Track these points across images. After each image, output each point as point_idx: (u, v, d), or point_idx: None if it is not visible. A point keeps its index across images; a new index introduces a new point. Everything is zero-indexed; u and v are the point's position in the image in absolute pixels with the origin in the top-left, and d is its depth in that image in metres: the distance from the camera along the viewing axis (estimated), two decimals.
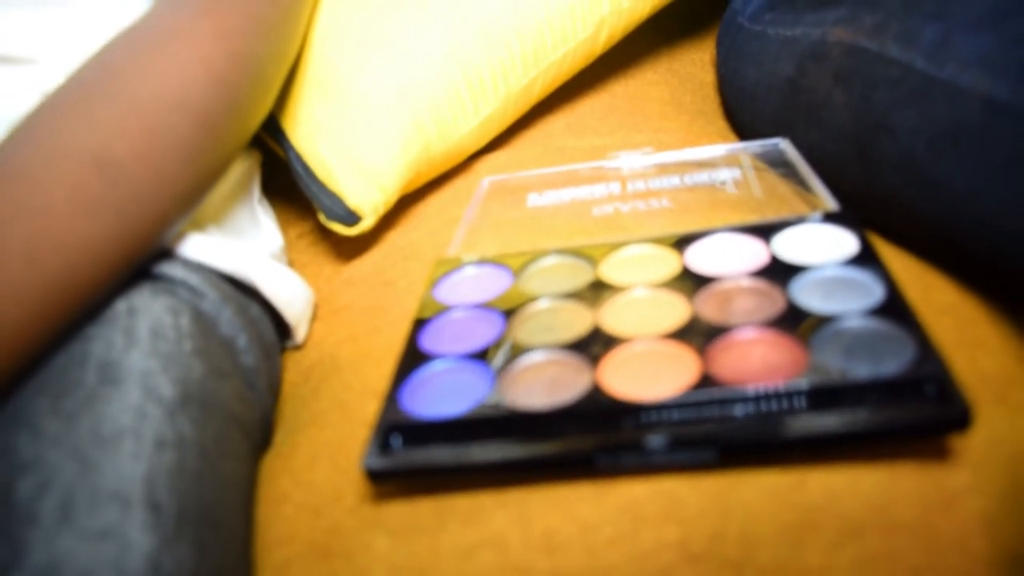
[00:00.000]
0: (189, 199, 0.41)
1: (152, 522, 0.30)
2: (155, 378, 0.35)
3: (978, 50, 0.36)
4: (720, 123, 0.72)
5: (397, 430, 0.34)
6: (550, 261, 0.43)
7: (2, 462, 0.31)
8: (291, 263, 0.60)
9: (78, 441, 0.31)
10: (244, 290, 0.46)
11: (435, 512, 0.33)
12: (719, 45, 0.75)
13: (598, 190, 0.53)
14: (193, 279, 0.41)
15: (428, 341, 0.39)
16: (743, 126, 0.66)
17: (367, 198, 0.52)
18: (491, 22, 0.56)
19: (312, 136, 0.54)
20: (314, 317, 0.53)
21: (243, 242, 0.49)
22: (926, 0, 0.42)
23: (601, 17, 0.60)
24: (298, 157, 0.55)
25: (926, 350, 0.31)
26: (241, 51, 0.43)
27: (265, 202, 0.60)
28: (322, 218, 0.54)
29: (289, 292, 0.49)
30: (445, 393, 0.35)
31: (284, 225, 0.65)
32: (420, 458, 0.33)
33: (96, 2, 0.49)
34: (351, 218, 0.53)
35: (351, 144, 0.53)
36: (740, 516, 0.30)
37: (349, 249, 0.58)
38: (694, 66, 0.82)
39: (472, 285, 0.43)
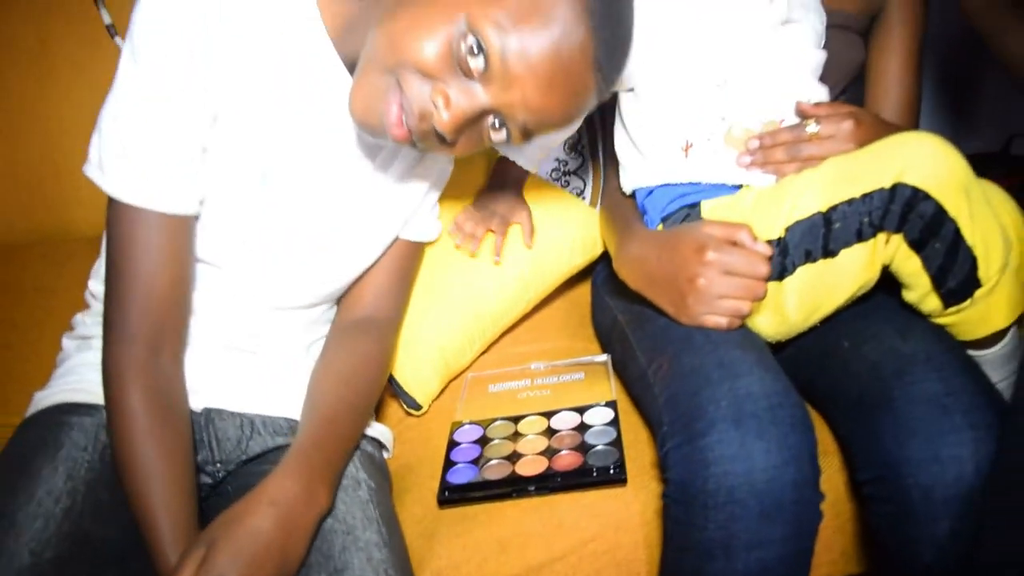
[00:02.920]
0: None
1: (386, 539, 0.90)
2: (371, 480, 0.94)
3: (644, 343, 1.02)
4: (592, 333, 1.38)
5: (446, 488, 0.98)
6: (498, 423, 1.08)
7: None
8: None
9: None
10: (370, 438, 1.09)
11: (461, 517, 0.97)
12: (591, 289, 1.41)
13: (522, 383, 1.18)
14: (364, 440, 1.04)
15: (453, 455, 1.04)
16: (600, 342, 1.32)
17: (424, 396, 1.17)
18: (476, 312, 1.22)
19: (397, 367, 1.19)
20: (396, 442, 1.17)
21: None
22: (640, 320, 1.08)
23: (528, 300, 1.27)
24: (391, 376, 1.20)
25: (621, 456, 0.96)
26: (389, 350, 1.06)
27: None
28: (403, 406, 1.18)
29: (387, 437, 1.12)
30: (461, 474, 1.00)
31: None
32: (454, 497, 0.97)
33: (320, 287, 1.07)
34: (418, 407, 1.18)
35: (416, 371, 1.18)
36: (559, 512, 0.95)
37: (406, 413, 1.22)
38: (581, 297, 1.47)
39: (467, 432, 1.08)
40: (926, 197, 0.86)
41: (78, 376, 0.93)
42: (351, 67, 0.84)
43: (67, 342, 1.01)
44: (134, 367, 0.81)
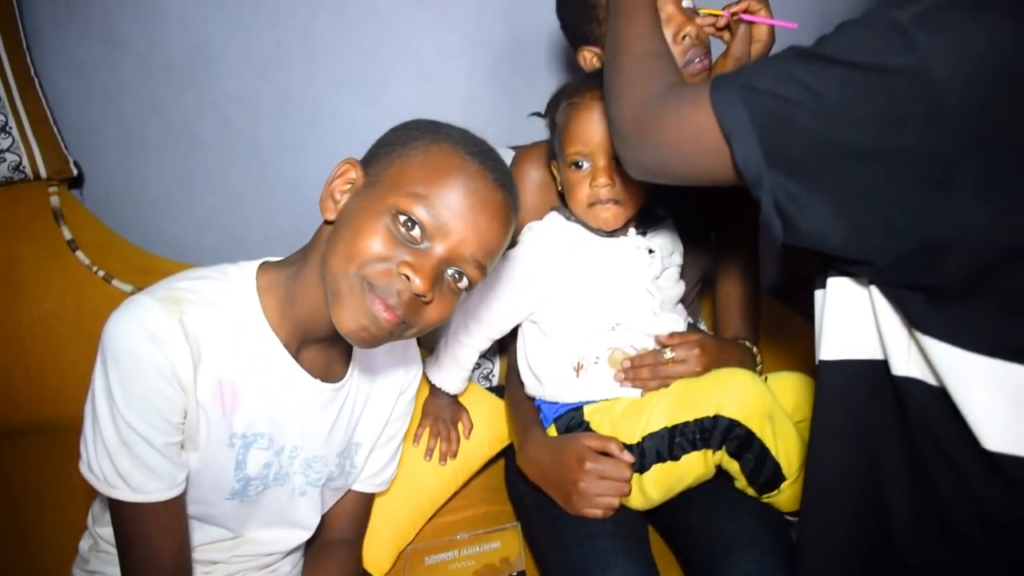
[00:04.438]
0: None
1: None
2: None
3: (543, 527, 1.32)
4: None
5: None
6: None
7: None
8: None
9: None
10: None
11: None
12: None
13: (451, 554, 1.46)
14: None
15: None
16: (511, 505, 1.61)
17: (380, 573, 1.44)
18: (418, 500, 1.49)
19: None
20: None
21: None
22: (541, 505, 1.38)
23: (457, 484, 1.57)
24: None
25: None
26: (361, 556, 1.32)
27: None
28: None
29: None
30: None
31: None
32: None
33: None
34: None
35: (372, 553, 1.43)
36: None
37: None
38: (497, 465, 1.76)
39: None
40: (739, 424, 1.20)
41: None
42: (295, 346, 1.03)
43: (78, 572, 1.15)
44: None
